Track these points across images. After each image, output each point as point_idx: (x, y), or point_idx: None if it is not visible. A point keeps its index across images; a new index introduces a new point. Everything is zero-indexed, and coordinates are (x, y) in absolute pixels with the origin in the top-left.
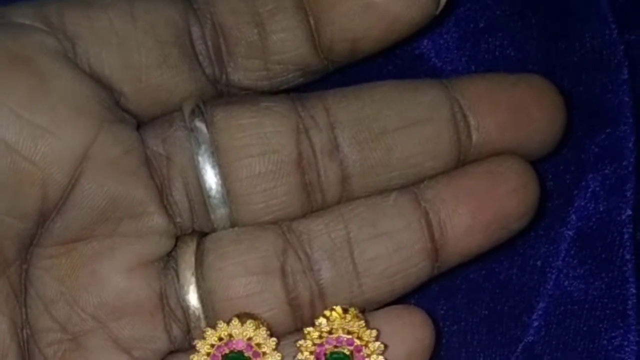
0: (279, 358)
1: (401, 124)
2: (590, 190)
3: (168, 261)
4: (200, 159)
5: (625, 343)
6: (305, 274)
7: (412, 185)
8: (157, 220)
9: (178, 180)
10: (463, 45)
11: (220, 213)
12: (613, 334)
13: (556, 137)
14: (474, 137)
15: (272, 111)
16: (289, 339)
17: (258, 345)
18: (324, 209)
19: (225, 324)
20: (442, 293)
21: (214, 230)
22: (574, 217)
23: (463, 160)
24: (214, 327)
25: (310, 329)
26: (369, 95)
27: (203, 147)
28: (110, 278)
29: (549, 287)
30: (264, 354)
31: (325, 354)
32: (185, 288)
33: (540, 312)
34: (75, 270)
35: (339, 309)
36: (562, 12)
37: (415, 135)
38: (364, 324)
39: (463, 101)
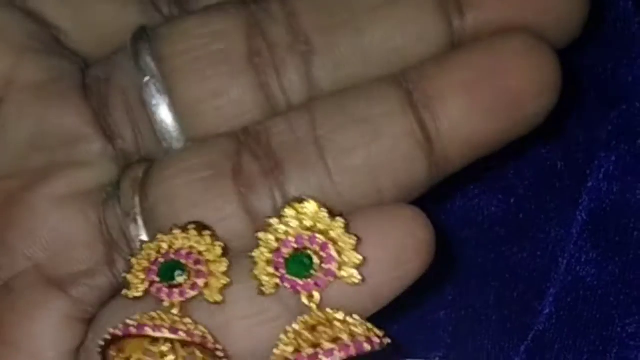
0: (225, 266)
1: (374, 3)
2: (603, 170)
3: (112, 191)
4: (143, 71)
5: None
6: (265, 176)
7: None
8: (94, 144)
9: (116, 98)
10: None
11: (169, 133)
12: (627, 321)
13: (578, 18)
14: (468, 14)
15: (220, 10)
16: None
17: (200, 253)
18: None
19: (162, 235)
20: (450, 278)
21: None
22: (586, 198)
23: (457, 42)
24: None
25: (261, 233)
26: None
27: (147, 59)
28: (42, 209)
29: (560, 272)
30: (208, 261)
31: (285, 259)
32: (128, 214)
33: (551, 299)
34: (4, 207)
35: (309, 202)
36: None
37: (392, 15)
38: (340, 224)
39: None
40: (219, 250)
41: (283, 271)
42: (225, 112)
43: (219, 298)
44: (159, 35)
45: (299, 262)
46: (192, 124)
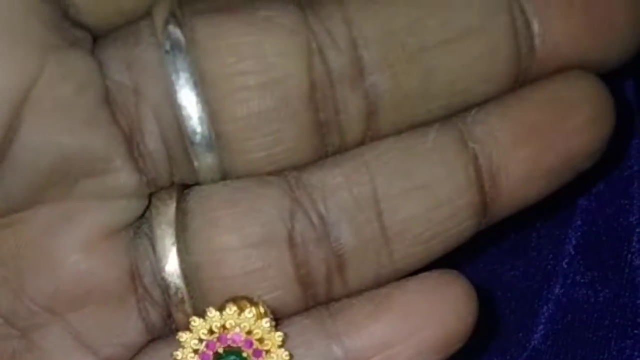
0: (287, 358)
1: (445, 37)
2: (594, 191)
3: (140, 227)
4: (179, 91)
5: (636, 354)
6: (319, 242)
7: (456, 117)
8: (125, 178)
9: (151, 121)
10: None
11: (207, 163)
12: (623, 345)
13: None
14: (539, 49)
15: (275, 25)
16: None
17: (260, 341)
18: (342, 154)
19: (217, 312)
20: None
21: (198, 184)
22: (578, 220)
23: (522, 81)
24: (202, 315)
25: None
26: (403, 0)
27: (183, 76)
28: (66, 257)
29: (554, 293)
30: (267, 352)
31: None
32: (164, 261)
33: (544, 320)
34: (21, 249)
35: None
36: None
37: (464, 51)
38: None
39: (526, 2)
40: (279, 339)
41: None
42: (276, 153)
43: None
44: (201, 42)
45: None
46: (234, 160)
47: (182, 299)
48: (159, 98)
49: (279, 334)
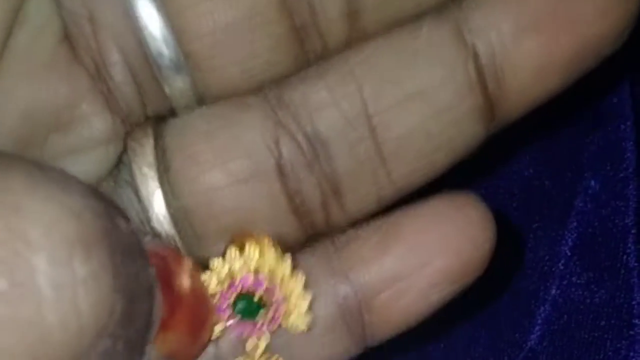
0: (301, 282)
1: None
2: (590, 192)
3: (119, 174)
4: (137, 9)
5: (631, 354)
6: (310, 167)
7: (452, 3)
8: (97, 123)
9: (113, 50)
10: None
11: (178, 87)
12: (618, 345)
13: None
14: None
15: None
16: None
17: (271, 274)
18: (325, 61)
19: (234, 249)
20: None
21: (172, 112)
22: (574, 221)
23: None
24: (222, 255)
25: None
26: None
27: None
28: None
29: (550, 293)
30: (282, 282)
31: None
32: (151, 209)
33: (540, 320)
34: None
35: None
36: None
37: None
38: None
39: None
40: (288, 266)
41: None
42: (251, 67)
43: (304, 325)
44: None
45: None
46: (208, 80)
47: (175, 244)
48: (118, 22)
49: (300, 274)
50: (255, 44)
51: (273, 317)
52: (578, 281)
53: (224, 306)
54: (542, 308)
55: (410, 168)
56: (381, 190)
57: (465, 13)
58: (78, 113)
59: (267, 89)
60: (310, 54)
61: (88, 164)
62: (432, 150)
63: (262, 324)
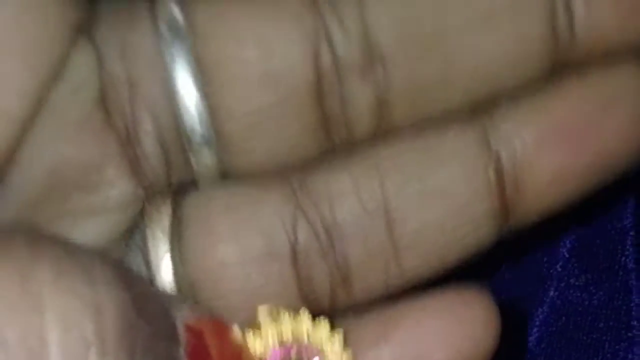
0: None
1: (469, 16)
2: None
3: (131, 237)
4: (177, 82)
5: (630, 356)
6: (324, 255)
7: (482, 112)
8: (120, 188)
9: (147, 119)
10: None
11: (205, 163)
12: (617, 347)
13: None
14: (579, 33)
15: (280, 9)
16: None
17: (319, 347)
18: (352, 154)
19: (287, 315)
20: None
21: (194, 183)
22: (572, 223)
23: (559, 68)
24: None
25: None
26: None
27: (180, 65)
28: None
29: (548, 295)
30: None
31: None
32: (158, 276)
33: (539, 322)
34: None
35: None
36: None
37: (489, 32)
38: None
39: None
40: (338, 343)
41: None
42: (278, 150)
43: None
44: (199, 24)
45: None
46: (234, 159)
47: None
48: (156, 91)
49: (339, 332)
50: (285, 130)
51: None
52: (576, 283)
53: None
54: (540, 310)
55: (421, 261)
56: (390, 280)
57: (494, 121)
58: (104, 175)
59: (291, 172)
60: (336, 141)
61: (104, 225)
62: (444, 246)
63: None
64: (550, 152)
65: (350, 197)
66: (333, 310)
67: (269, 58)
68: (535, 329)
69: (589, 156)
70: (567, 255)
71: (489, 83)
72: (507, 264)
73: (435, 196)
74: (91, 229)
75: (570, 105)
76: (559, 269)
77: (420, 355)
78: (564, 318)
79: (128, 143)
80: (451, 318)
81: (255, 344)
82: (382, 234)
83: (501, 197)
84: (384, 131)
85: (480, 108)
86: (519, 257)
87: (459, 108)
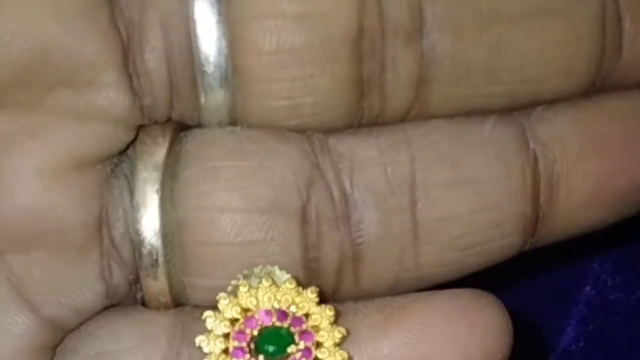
0: (331, 312)
1: (525, 10)
2: None
3: (119, 164)
4: (195, 2)
5: None
6: (336, 223)
7: (519, 112)
8: (114, 96)
9: (156, 33)
10: None
11: (215, 100)
12: None
13: None
14: (626, 50)
15: None
16: None
17: (294, 305)
18: (381, 125)
19: (248, 287)
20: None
21: (200, 125)
22: None
23: (599, 85)
24: (178, 286)
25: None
26: None
27: None
28: (19, 182)
29: (584, 294)
30: (307, 315)
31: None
32: (142, 211)
33: (575, 321)
34: None
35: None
36: None
37: (542, 32)
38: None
39: None
40: (329, 315)
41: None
42: (302, 104)
43: (343, 356)
44: None
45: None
46: (249, 103)
47: (156, 261)
48: (171, 7)
49: (329, 307)
50: (314, 79)
51: (305, 350)
52: (614, 282)
53: (243, 346)
54: (574, 309)
55: (440, 257)
56: (402, 273)
57: (533, 123)
58: (97, 76)
59: (311, 132)
60: (366, 112)
61: (88, 136)
62: (467, 245)
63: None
64: (592, 163)
65: (375, 166)
66: (334, 298)
67: (307, 2)
68: (569, 328)
69: (626, 175)
70: (604, 254)
71: (532, 85)
72: (540, 262)
73: (465, 186)
74: (72, 137)
75: (612, 120)
76: (596, 267)
77: (423, 358)
78: (601, 317)
79: (131, 52)
80: (461, 322)
81: (245, 301)
82: (404, 215)
83: (534, 205)
84: (418, 113)
85: (518, 110)
86: (555, 255)
87: (499, 106)
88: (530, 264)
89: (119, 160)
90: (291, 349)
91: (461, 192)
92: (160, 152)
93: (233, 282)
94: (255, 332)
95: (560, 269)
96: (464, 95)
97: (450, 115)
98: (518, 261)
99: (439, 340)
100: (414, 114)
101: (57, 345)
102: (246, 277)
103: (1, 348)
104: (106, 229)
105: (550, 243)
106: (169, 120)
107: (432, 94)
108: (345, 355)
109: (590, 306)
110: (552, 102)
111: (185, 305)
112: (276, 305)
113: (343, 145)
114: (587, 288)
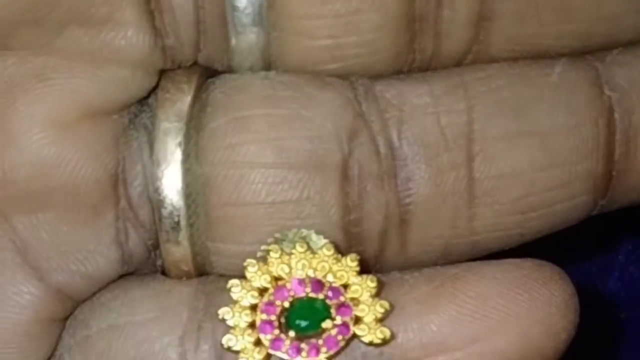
0: (374, 284)
1: None
2: None
3: (139, 114)
4: None
5: None
6: (382, 181)
7: (594, 54)
8: (133, 34)
9: None
10: None
11: (247, 41)
12: None
13: None
14: None
15: None
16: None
17: (332, 275)
18: (434, 70)
19: (280, 253)
20: None
21: (230, 69)
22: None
23: None
24: (205, 253)
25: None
26: None
27: None
28: (25, 133)
29: (609, 286)
30: (346, 285)
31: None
32: (163, 167)
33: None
34: None
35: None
36: None
37: None
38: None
39: None
40: (371, 286)
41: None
42: (345, 44)
43: (385, 333)
44: None
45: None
46: (285, 43)
47: (178, 224)
48: None
49: (371, 277)
50: (359, 15)
51: (342, 326)
52: (639, 274)
53: (272, 320)
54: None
55: (497, 222)
56: (454, 238)
57: (608, 67)
58: (114, 15)
59: (355, 77)
60: (416, 54)
61: (104, 81)
62: (528, 208)
63: (330, 337)
64: None
65: (427, 116)
66: (376, 268)
67: None
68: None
69: None
70: (630, 247)
71: (608, 24)
72: (568, 254)
73: (529, 139)
74: (85, 82)
75: None
76: (622, 260)
77: (476, 338)
78: (624, 313)
79: None
80: (522, 295)
81: (276, 268)
82: (458, 172)
83: (607, 161)
84: (477, 55)
85: (592, 54)
86: (581, 247)
87: (570, 50)
88: (556, 256)
89: (138, 110)
90: (326, 324)
91: (524, 146)
92: (184, 100)
93: (263, 247)
94: (287, 304)
95: (585, 262)
96: (530, 34)
97: (514, 58)
98: (542, 252)
99: (495, 317)
100: (472, 57)
101: (66, 318)
102: (278, 241)
103: (4, 321)
104: (122, 187)
105: (622, 206)
106: (194, 64)
107: (493, 33)
108: (388, 333)
109: (616, 300)
110: (631, 43)
111: (209, 274)
112: (311, 274)
113: (391, 91)
114: (612, 281)
